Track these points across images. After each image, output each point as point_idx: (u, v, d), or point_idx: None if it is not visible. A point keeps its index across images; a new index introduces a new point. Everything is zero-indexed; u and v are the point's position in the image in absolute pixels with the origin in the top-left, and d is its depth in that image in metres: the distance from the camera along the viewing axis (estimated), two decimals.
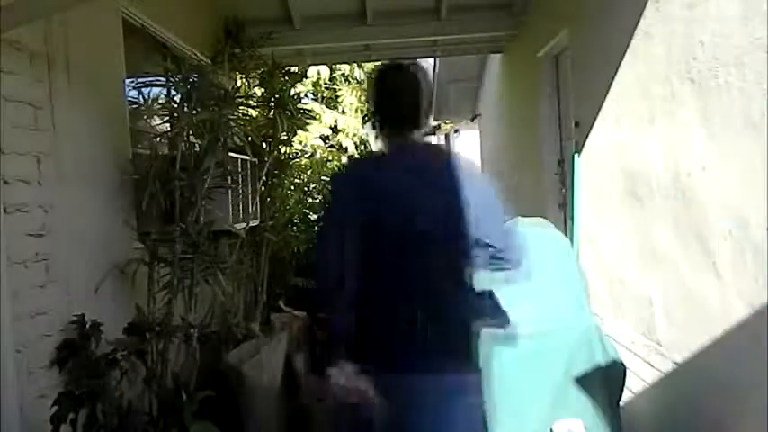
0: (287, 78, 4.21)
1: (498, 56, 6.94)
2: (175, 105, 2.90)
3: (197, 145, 2.98)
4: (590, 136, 3.47)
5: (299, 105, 4.11)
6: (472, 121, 9.93)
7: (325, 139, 12.44)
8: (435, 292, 1.68)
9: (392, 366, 1.63)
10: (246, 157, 3.55)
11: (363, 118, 13.70)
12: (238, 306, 3.99)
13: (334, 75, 12.96)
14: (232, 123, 3.05)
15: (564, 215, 4.46)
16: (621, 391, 2.33)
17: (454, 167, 1.72)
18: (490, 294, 2.03)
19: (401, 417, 1.61)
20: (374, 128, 1.86)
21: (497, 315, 2.11)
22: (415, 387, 1.62)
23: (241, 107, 3.25)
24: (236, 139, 3.24)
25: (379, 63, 2.16)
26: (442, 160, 1.79)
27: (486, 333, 2.27)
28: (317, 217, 1.78)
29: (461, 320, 1.70)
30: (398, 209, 1.67)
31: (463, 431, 1.68)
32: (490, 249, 1.68)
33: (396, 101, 1.80)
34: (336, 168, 5.41)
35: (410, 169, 1.71)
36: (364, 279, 1.66)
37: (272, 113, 4.04)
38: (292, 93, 4.13)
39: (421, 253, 1.66)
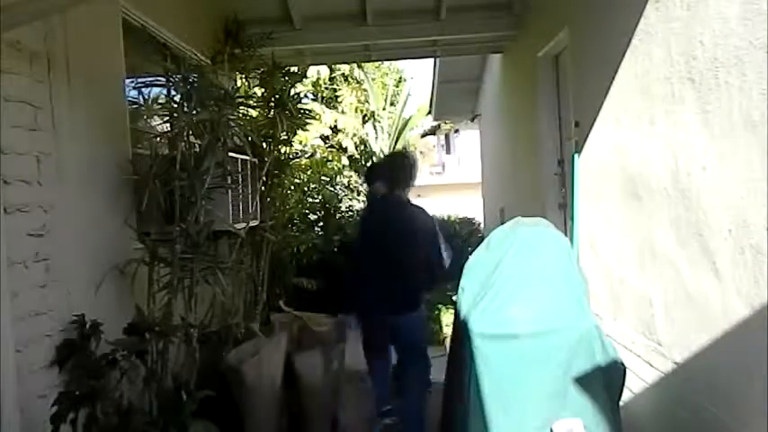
0: (287, 78, 4.21)
1: (498, 56, 6.94)
2: (175, 105, 2.90)
3: (197, 145, 2.98)
4: (590, 136, 3.47)
5: (299, 105, 4.11)
6: (472, 121, 9.93)
7: (325, 139, 12.44)
8: (398, 268, 3.35)
9: (378, 303, 3.38)
10: (246, 157, 3.55)
11: (363, 118, 13.73)
12: (238, 306, 3.99)
13: (334, 75, 12.98)
14: (232, 123, 3.05)
15: (564, 215, 4.46)
16: (621, 391, 2.33)
17: (411, 210, 3.51)
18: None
19: (389, 327, 3.43)
20: (376, 183, 3.83)
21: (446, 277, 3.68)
22: (392, 311, 3.38)
23: (241, 107, 3.25)
24: (236, 139, 3.24)
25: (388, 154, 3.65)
26: (407, 207, 3.53)
27: (487, 333, 2.28)
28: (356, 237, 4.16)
29: (412, 281, 3.41)
30: (381, 229, 3.47)
31: (417, 331, 3.55)
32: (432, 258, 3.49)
33: (394, 176, 3.50)
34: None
35: (388, 210, 3.53)
36: (364, 262, 3.55)
37: (272, 113, 4.04)
38: (292, 93, 4.13)
39: (391, 249, 3.37)
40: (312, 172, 6.91)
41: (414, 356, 3.53)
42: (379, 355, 3.56)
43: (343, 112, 13.10)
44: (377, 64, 13.92)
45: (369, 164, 4.07)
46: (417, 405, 3.47)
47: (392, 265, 3.33)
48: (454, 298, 4.87)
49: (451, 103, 9.52)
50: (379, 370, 3.54)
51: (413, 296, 3.45)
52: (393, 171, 3.52)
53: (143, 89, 2.99)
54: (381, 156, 12.29)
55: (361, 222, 3.73)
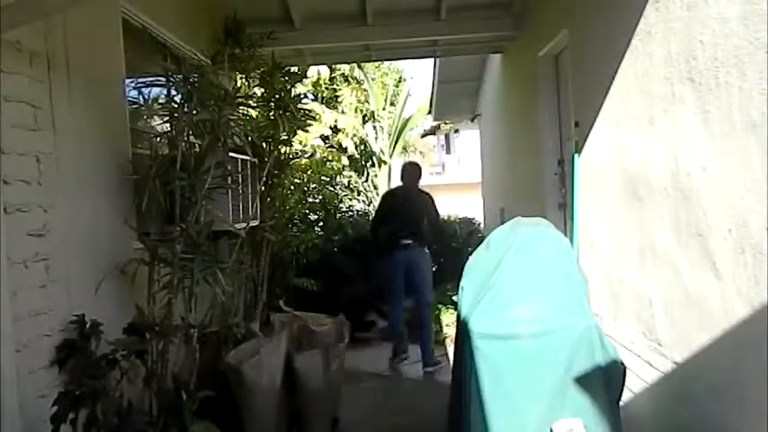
0: (287, 78, 4.20)
1: (498, 56, 6.94)
2: (175, 105, 2.90)
3: (197, 145, 2.98)
4: (590, 136, 3.47)
5: (299, 105, 4.11)
6: (472, 121, 9.92)
7: (325, 139, 12.44)
8: (412, 228, 5.22)
9: (397, 246, 5.21)
10: (246, 157, 3.54)
11: (363, 118, 13.73)
12: (238, 306, 3.99)
13: (334, 75, 12.97)
14: (232, 123, 3.04)
15: (564, 215, 4.46)
16: (621, 391, 2.33)
17: (420, 194, 5.47)
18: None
19: (406, 263, 5.23)
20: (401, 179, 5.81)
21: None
22: (407, 251, 5.21)
23: (241, 107, 3.24)
24: (236, 139, 3.23)
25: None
26: (417, 192, 5.49)
27: (487, 333, 2.28)
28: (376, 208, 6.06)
29: (422, 234, 5.27)
30: (399, 206, 5.41)
31: (426, 269, 5.33)
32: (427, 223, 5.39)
33: (409, 179, 5.61)
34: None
35: (405, 194, 5.54)
36: (387, 224, 5.41)
37: (272, 114, 4.04)
38: (293, 93, 4.13)
39: (408, 217, 5.27)
40: (312, 172, 6.90)
41: (421, 287, 5.29)
42: (397, 289, 5.33)
43: (343, 112, 13.09)
44: (377, 64, 13.91)
45: (402, 167, 6.01)
46: (425, 316, 5.32)
47: (409, 222, 5.26)
48: (455, 298, 4.88)
49: (451, 103, 9.52)
50: (395, 310, 5.43)
51: (422, 238, 5.29)
52: (413, 172, 5.63)
53: (143, 89, 2.98)
54: (381, 155, 12.64)
55: (385, 197, 6.00)
